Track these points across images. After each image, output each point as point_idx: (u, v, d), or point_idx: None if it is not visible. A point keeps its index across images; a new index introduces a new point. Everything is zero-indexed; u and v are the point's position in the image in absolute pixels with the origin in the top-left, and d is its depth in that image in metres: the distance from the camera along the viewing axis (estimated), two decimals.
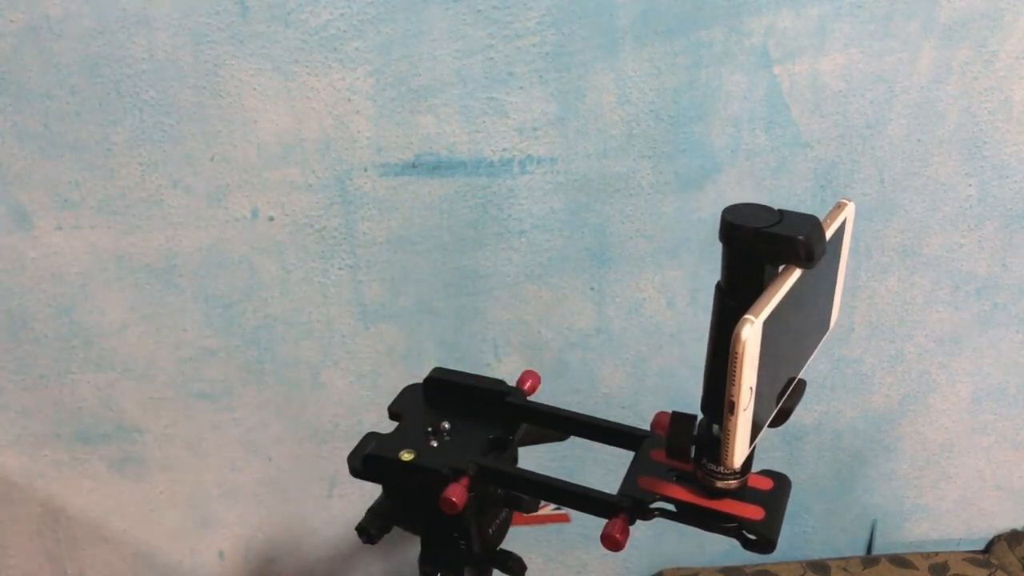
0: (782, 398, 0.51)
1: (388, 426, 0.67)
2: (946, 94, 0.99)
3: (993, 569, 1.21)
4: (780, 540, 0.55)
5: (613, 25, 0.91)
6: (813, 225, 0.46)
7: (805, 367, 0.52)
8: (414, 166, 0.96)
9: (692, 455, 0.54)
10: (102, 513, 1.11)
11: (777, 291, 0.45)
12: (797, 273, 0.46)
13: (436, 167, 0.96)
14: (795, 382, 0.52)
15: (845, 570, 1.20)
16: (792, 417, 1.29)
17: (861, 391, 1.16)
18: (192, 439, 1.08)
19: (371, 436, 0.64)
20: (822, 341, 0.55)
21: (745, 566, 1.20)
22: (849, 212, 0.51)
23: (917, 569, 1.20)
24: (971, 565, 1.21)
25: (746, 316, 0.43)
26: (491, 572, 0.66)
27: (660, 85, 0.95)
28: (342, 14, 0.88)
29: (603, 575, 1.22)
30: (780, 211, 0.47)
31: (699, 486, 0.54)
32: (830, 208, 0.51)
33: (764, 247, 0.45)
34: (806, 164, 1.01)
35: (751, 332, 0.43)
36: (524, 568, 0.63)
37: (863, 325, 1.12)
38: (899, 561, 1.21)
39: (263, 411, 1.07)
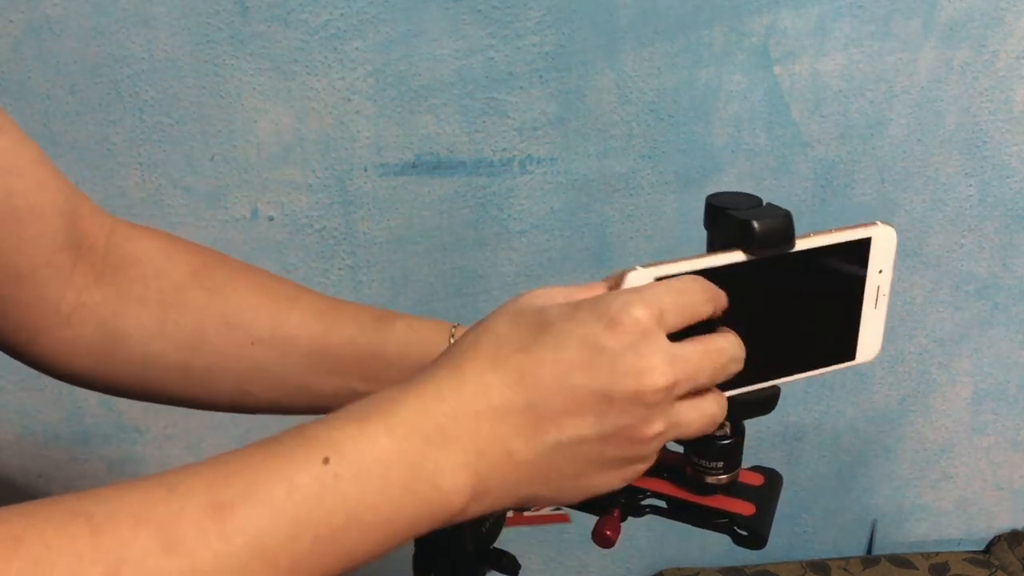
0: (732, 387, 0.50)
1: None
2: (946, 94, 0.99)
3: (993, 569, 1.21)
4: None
5: (613, 25, 0.92)
6: (773, 214, 0.44)
7: (789, 380, 0.49)
8: (414, 166, 0.96)
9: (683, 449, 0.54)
10: None
11: (700, 261, 0.44)
12: (739, 256, 0.44)
13: (436, 167, 0.96)
14: (763, 385, 0.49)
15: (845, 570, 1.20)
16: (792, 417, 1.29)
17: (861, 391, 1.16)
18: (192, 439, 1.08)
19: None
20: (834, 367, 0.51)
21: (745, 566, 1.20)
22: (880, 234, 0.48)
23: (917, 569, 1.20)
24: (971, 565, 1.21)
25: (637, 265, 0.43)
26: (486, 571, 0.66)
27: (660, 85, 0.95)
28: (342, 14, 0.88)
29: (603, 575, 1.22)
30: (766, 204, 0.45)
31: (689, 482, 0.54)
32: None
33: (720, 228, 0.45)
34: (806, 164, 1.01)
35: (634, 278, 0.43)
36: (518, 567, 0.63)
37: None
38: (899, 561, 1.21)
39: None
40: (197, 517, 0.33)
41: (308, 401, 0.57)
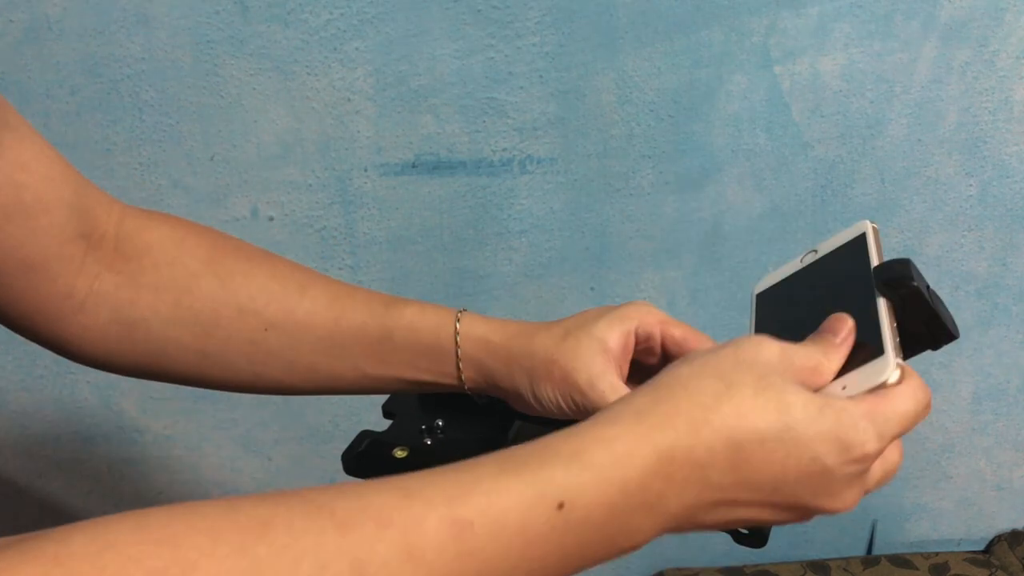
0: None
1: (385, 425, 0.67)
2: (946, 94, 0.99)
3: (993, 569, 1.21)
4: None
5: (613, 25, 0.92)
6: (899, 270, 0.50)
7: None
8: (414, 166, 0.96)
9: None
10: (102, 513, 1.11)
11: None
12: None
13: (436, 167, 0.96)
14: None
15: (845, 570, 1.20)
16: None
17: None
18: (192, 439, 1.08)
19: (365, 434, 0.64)
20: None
21: (745, 566, 1.20)
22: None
23: (917, 569, 1.20)
24: (971, 565, 1.21)
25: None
26: None
27: (660, 85, 0.95)
28: (342, 14, 0.88)
29: (603, 575, 1.22)
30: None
31: None
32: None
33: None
34: (806, 164, 1.01)
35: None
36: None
37: None
38: (899, 561, 1.21)
39: (263, 411, 1.07)
40: (437, 529, 0.33)
41: (319, 383, 0.59)
